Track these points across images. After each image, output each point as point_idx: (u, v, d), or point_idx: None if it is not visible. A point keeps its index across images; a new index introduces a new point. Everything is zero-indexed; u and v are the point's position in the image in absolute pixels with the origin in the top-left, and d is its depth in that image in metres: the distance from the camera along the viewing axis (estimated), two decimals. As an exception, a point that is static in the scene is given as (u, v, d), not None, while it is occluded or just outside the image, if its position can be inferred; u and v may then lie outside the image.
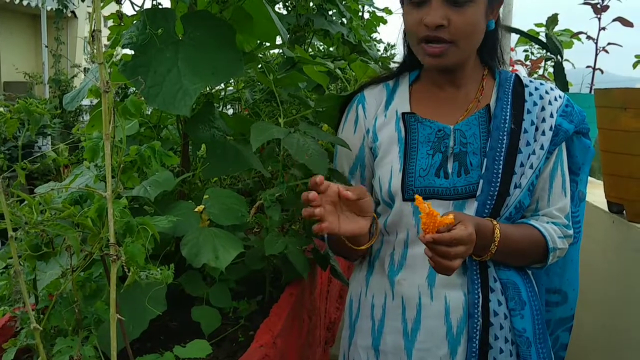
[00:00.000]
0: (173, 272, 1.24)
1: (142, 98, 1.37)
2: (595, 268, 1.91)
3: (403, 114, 1.29)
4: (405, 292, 1.25)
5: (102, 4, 1.21)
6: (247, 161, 1.37)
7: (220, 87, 1.90)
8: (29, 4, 8.73)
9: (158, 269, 0.76)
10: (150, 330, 1.10)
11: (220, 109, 2.13)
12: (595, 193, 2.03)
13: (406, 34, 1.27)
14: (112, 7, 1.42)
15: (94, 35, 0.75)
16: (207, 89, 1.52)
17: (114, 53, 1.40)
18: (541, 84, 1.31)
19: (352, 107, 1.37)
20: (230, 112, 2.19)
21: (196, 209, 1.14)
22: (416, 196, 1.03)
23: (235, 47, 1.33)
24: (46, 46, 8.24)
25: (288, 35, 2.48)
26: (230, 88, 2.07)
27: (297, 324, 1.34)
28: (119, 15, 0.89)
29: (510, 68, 3.59)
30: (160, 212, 1.24)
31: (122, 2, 0.93)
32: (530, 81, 1.31)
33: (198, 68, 1.26)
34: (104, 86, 0.74)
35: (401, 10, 1.27)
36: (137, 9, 1.26)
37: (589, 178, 2.62)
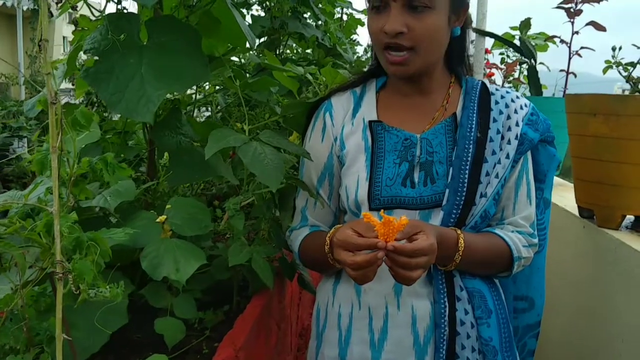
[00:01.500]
0: (134, 284, 1.22)
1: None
2: (566, 273, 1.91)
3: (370, 122, 1.28)
4: (372, 301, 1.24)
5: (58, 13, 1.18)
6: (214, 168, 1.34)
7: (192, 91, 1.87)
8: (4, 4, 8.60)
9: (107, 287, 0.73)
10: (113, 343, 1.08)
11: (194, 113, 2.12)
12: (568, 197, 2.03)
13: (371, 40, 1.25)
14: (81, 11, 1.40)
15: (41, 45, 0.72)
16: (174, 94, 1.49)
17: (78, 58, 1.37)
18: (507, 92, 1.31)
19: (319, 115, 1.35)
20: (207, 114, 2.16)
21: (158, 220, 1.12)
22: (363, 213, 1.02)
23: (201, 52, 1.30)
24: (26, 52, 8.14)
25: (257, 40, 2.47)
26: (205, 92, 2.05)
27: (264, 333, 1.32)
28: (74, 22, 0.87)
29: (487, 71, 3.61)
30: (124, 222, 1.22)
31: (77, 8, 0.90)
32: (497, 89, 1.31)
33: (162, 74, 1.23)
34: (51, 98, 0.72)
35: None
36: (98, 14, 1.24)
37: (563, 181, 2.64)
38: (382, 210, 1.02)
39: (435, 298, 1.21)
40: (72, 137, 0.78)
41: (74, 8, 1.01)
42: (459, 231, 1.19)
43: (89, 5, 1.18)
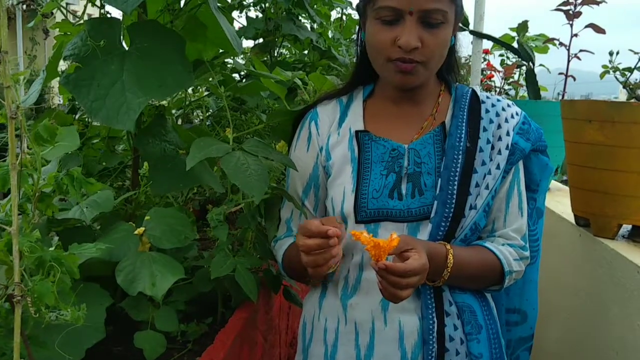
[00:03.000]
0: (115, 295, 1.19)
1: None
2: (561, 282, 1.88)
3: (357, 132, 1.24)
4: (358, 316, 1.21)
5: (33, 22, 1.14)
6: (199, 176, 1.31)
7: (181, 95, 1.85)
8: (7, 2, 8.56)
9: (68, 310, 0.70)
10: (91, 357, 1.05)
11: (184, 118, 2.09)
12: (565, 203, 1.99)
13: (371, 51, 1.19)
14: (59, 16, 1.37)
15: (0, 57, 0.69)
16: (158, 101, 1.46)
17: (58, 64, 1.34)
18: (498, 100, 1.27)
19: (304, 124, 1.31)
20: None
21: (136, 232, 1.09)
22: (352, 232, 0.99)
23: (184, 58, 1.27)
24: (25, 52, 8.14)
25: (251, 42, 2.44)
26: (196, 96, 2.03)
27: (248, 347, 1.29)
28: (44, 30, 0.84)
29: (487, 73, 3.57)
30: (102, 234, 1.19)
31: (48, 17, 0.88)
32: (488, 97, 1.27)
33: (144, 81, 1.20)
34: (10, 112, 0.69)
35: None
36: (77, 19, 1.21)
37: (561, 186, 2.60)
38: (365, 231, 0.99)
39: (423, 313, 1.17)
40: (37, 152, 0.75)
41: (45, 16, 0.98)
42: (448, 246, 1.15)
43: (63, 12, 1.14)
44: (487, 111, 1.24)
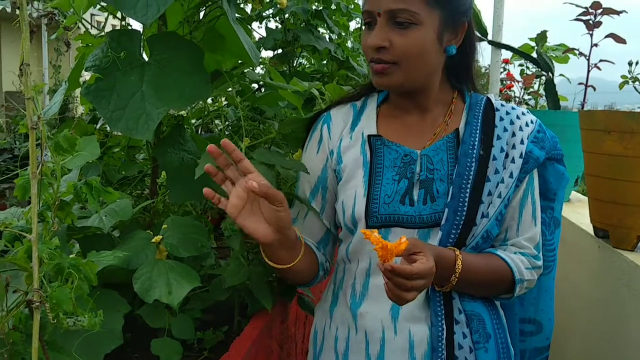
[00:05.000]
0: (133, 302, 1.21)
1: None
2: (580, 293, 1.86)
3: (369, 136, 1.25)
4: (368, 325, 1.20)
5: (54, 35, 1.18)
6: (217, 185, 1.33)
7: (201, 105, 1.87)
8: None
9: (85, 316, 0.72)
10: (109, 363, 1.07)
11: (204, 127, 2.11)
12: (585, 214, 1.98)
13: None
14: (82, 27, 1.40)
15: (22, 69, 0.71)
16: (177, 111, 1.48)
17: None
18: (513, 108, 1.27)
19: (317, 127, 1.32)
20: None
21: (153, 240, 1.11)
22: (362, 230, 0.99)
23: (202, 69, 1.29)
24: (50, 62, 8.29)
25: (270, 53, 2.47)
26: (215, 105, 2.05)
27: (264, 355, 1.30)
28: (66, 42, 0.87)
29: (506, 83, 3.55)
30: (121, 241, 1.21)
31: (69, 29, 0.90)
32: (502, 105, 1.27)
33: (163, 91, 1.22)
34: (31, 123, 0.71)
35: None
36: (98, 31, 1.23)
37: (580, 197, 2.58)
38: (376, 231, 0.98)
39: (432, 321, 1.17)
40: (57, 162, 0.77)
41: (67, 28, 1.00)
42: (457, 252, 1.15)
43: (84, 25, 1.17)
44: (501, 119, 1.23)
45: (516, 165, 1.19)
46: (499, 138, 1.21)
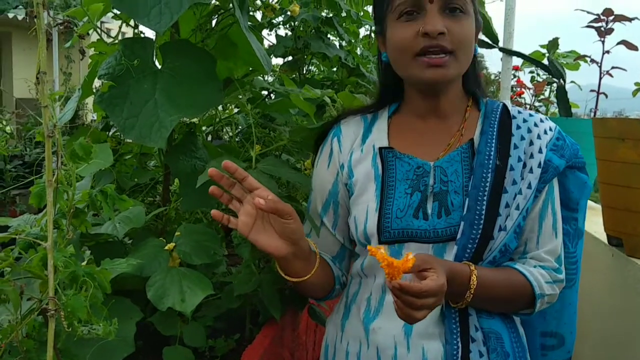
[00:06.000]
0: (146, 309, 1.21)
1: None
2: (594, 301, 1.84)
3: (380, 148, 1.21)
4: (381, 341, 1.15)
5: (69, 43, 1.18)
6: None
7: (212, 113, 1.87)
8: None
9: (100, 324, 0.72)
10: (121, 371, 1.06)
11: (214, 134, 2.12)
12: (598, 222, 1.96)
13: (395, 54, 1.16)
14: (94, 36, 1.41)
15: (39, 77, 0.72)
16: (189, 119, 1.48)
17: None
18: (530, 115, 1.22)
19: (327, 141, 1.29)
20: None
21: (166, 247, 1.11)
22: (368, 247, 0.95)
23: (215, 76, 1.30)
24: (61, 69, 8.33)
25: (281, 60, 2.47)
26: (226, 113, 2.06)
27: (275, 364, 1.29)
28: (81, 51, 0.87)
29: (517, 89, 3.54)
30: (134, 249, 1.21)
31: (84, 37, 0.91)
32: (519, 112, 1.22)
33: (176, 99, 1.23)
34: (47, 131, 0.71)
35: None
36: (112, 39, 1.24)
37: (592, 204, 2.56)
38: (383, 247, 0.95)
39: (447, 338, 1.11)
40: (72, 170, 0.77)
41: (82, 37, 1.01)
42: (472, 267, 1.09)
43: (99, 33, 1.18)
44: (518, 127, 1.19)
45: (534, 175, 1.15)
46: (516, 147, 1.17)
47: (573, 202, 1.25)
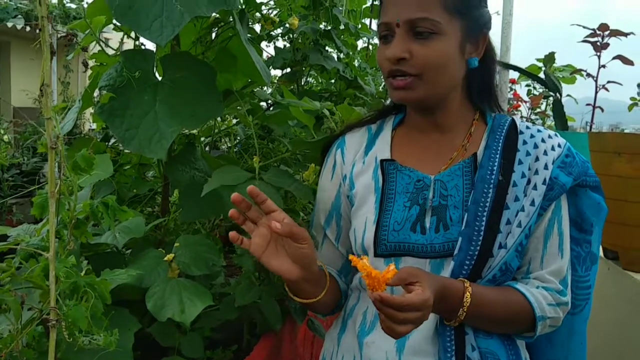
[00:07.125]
0: (144, 320, 1.21)
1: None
2: (592, 315, 1.85)
3: (382, 161, 1.19)
4: (373, 356, 1.12)
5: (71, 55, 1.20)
6: (227, 203, 1.32)
7: (211, 124, 1.88)
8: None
9: (101, 334, 0.72)
10: (118, 382, 1.06)
11: (212, 145, 2.12)
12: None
13: None
14: (95, 47, 1.42)
15: (43, 89, 0.73)
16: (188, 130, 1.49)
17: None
18: (538, 130, 1.16)
19: (331, 152, 1.28)
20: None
21: (166, 258, 1.11)
22: (350, 257, 0.94)
23: (215, 88, 1.31)
24: (59, 78, 8.34)
25: (279, 72, 2.49)
26: (224, 124, 2.07)
27: (273, 375, 1.30)
28: (84, 64, 0.88)
29: (513, 103, 3.56)
30: (133, 259, 1.21)
31: (86, 50, 0.92)
32: (527, 127, 1.18)
33: (176, 111, 1.23)
34: (50, 143, 0.72)
35: None
36: (113, 51, 1.25)
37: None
38: (363, 257, 0.94)
39: (440, 357, 1.07)
40: (74, 181, 0.78)
41: (84, 49, 1.02)
42: (467, 284, 1.05)
43: (101, 44, 1.18)
44: (524, 142, 1.14)
45: (538, 193, 1.10)
46: (520, 163, 1.12)
47: (586, 224, 1.20)
